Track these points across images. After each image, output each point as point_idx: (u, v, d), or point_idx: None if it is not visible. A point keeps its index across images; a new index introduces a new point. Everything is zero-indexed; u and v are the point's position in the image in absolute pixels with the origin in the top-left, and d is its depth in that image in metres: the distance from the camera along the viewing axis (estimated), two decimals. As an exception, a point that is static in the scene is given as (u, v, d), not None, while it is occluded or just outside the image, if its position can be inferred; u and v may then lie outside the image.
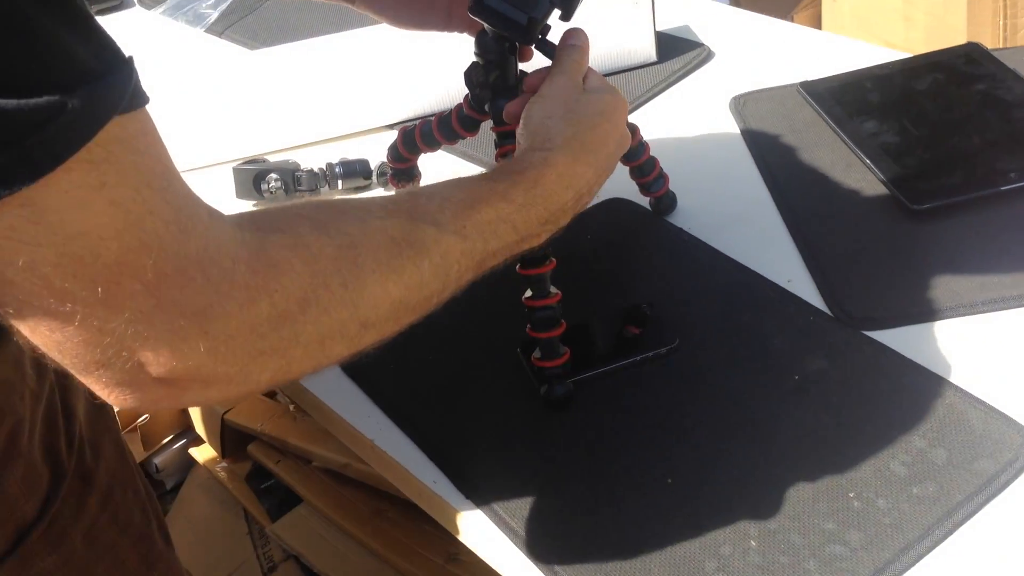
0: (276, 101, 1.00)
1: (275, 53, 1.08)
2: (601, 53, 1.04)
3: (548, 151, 0.62)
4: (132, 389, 0.44)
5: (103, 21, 1.30)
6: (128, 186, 0.41)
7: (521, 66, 0.71)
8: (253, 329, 0.46)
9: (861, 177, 0.87)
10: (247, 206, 0.95)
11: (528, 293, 0.70)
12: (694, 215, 0.86)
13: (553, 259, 0.70)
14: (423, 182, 0.87)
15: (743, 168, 0.91)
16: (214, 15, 1.28)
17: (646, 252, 0.84)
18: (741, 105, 0.98)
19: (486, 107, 0.72)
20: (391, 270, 0.52)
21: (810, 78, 0.98)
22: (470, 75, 0.71)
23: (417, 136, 0.79)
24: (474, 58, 0.70)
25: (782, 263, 0.80)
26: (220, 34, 1.26)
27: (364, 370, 0.76)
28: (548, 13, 0.67)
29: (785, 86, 0.99)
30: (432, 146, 0.80)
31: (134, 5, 1.36)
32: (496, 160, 0.75)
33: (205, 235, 0.44)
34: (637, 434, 0.69)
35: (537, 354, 0.71)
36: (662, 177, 0.84)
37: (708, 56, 1.07)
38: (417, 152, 0.81)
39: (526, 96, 0.67)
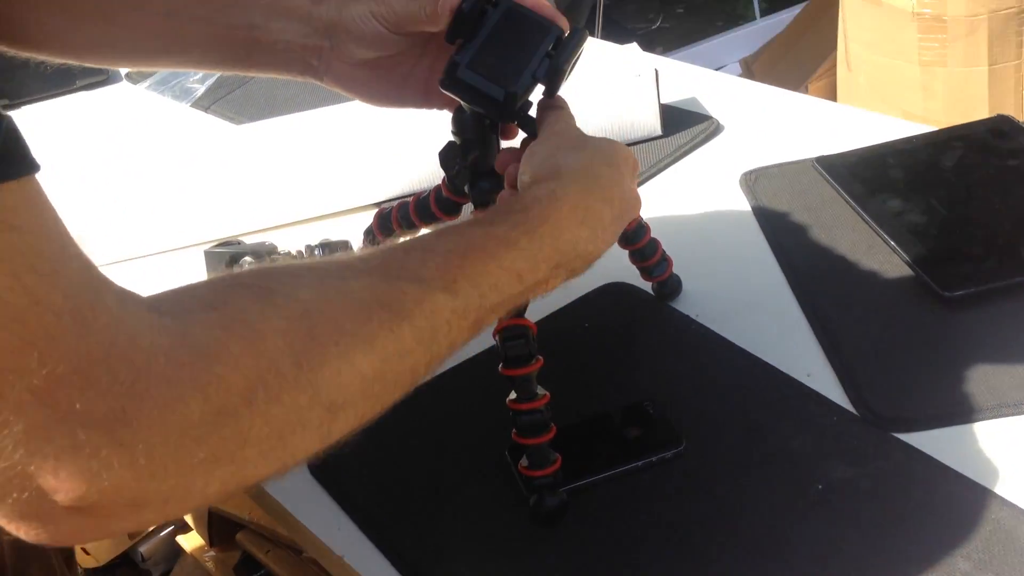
0: (254, 177, 0.94)
1: (257, 128, 1.02)
2: (601, 126, 0.98)
3: (556, 181, 0.55)
4: (40, 522, 0.37)
5: (90, 96, 1.26)
6: (5, 272, 0.34)
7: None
8: (184, 433, 0.38)
9: (885, 260, 0.79)
10: (220, 290, 0.88)
11: (512, 395, 0.62)
12: (701, 301, 0.79)
13: (540, 357, 0.62)
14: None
15: (755, 249, 0.84)
16: (200, 90, 1.23)
17: (648, 342, 0.76)
18: (752, 181, 0.92)
19: (466, 189, 0.66)
20: (359, 340, 0.44)
21: (826, 152, 0.92)
22: (446, 156, 0.65)
23: (394, 219, 0.72)
24: (451, 137, 0.64)
25: (800, 355, 0.72)
26: (206, 109, 1.21)
27: (333, 472, 0.68)
28: (530, 88, 0.60)
29: (799, 161, 0.93)
30: (410, 229, 0.73)
31: (121, 80, 1.32)
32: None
33: (112, 325, 0.37)
34: (638, 550, 0.61)
35: (524, 462, 0.63)
36: (665, 260, 0.77)
37: (717, 129, 1.01)
38: (394, 236, 0.74)
39: (515, 152, 0.61)
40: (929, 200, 0.84)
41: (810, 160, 0.92)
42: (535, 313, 0.76)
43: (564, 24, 0.63)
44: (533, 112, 0.63)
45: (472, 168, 0.64)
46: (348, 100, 1.01)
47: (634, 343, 0.77)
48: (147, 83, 1.26)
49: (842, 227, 0.84)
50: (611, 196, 0.58)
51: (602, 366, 0.74)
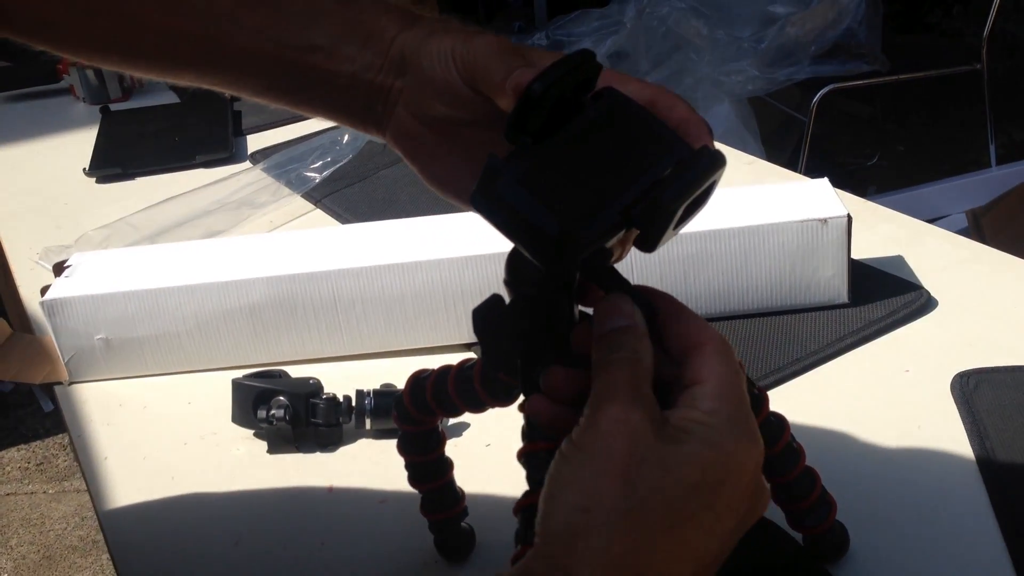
0: (318, 295, 0.76)
1: (344, 232, 0.84)
2: (766, 283, 0.74)
3: (569, 557, 0.33)
4: None
5: (211, 173, 1.14)
6: None
7: None
8: None
9: None
10: (243, 436, 0.70)
11: None
12: (877, 570, 0.53)
13: None
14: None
15: (964, 494, 0.57)
16: (317, 179, 1.08)
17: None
18: (970, 388, 0.65)
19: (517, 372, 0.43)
20: None
21: (1087, 361, 0.64)
22: (486, 317, 0.43)
23: (429, 393, 0.50)
24: (503, 289, 0.42)
25: None
26: (317, 202, 1.06)
27: None
28: (611, 232, 0.38)
29: (1045, 368, 0.65)
30: (451, 412, 0.51)
31: (245, 160, 1.20)
32: (514, 515, 0.44)
33: None
34: None
35: None
36: (826, 504, 0.52)
37: (927, 304, 0.74)
38: (432, 415, 0.52)
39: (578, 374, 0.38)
40: None
41: (1062, 370, 0.64)
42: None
43: (704, 139, 0.41)
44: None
45: (528, 339, 0.42)
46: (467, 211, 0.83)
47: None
48: (263, 164, 1.13)
49: (1107, 482, 0.56)
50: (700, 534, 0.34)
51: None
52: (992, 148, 2.56)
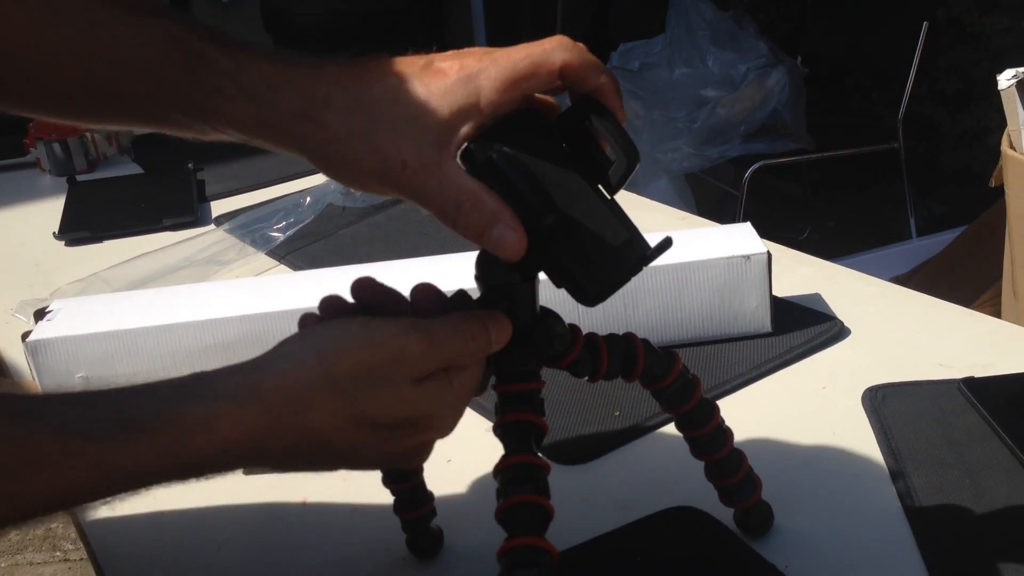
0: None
1: (319, 273, 0.91)
2: (698, 314, 0.82)
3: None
4: None
5: (177, 236, 1.19)
6: None
7: None
8: None
9: (1054, 523, 0.58)
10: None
11: None
12: (796, 545, 0.59)
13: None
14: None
15: (874, 488, 0.65)
16: (280, 238, 1.15)
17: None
18: (879, 400, 0.73)
19: None
20: None
21: (978, 374, 0.73)
22: (456, 308, 0.50)
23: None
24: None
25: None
26: (281, 258, 1.12)
27: None
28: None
29: (942, 381, 0.74)
30: None
31: (210, 223, 1.26)
32: (494, 431, 0.52)
33: None
34: None
35: None
36: (752, 482, 0.59)
37: (841, 333, 0.83)
38: None
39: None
40: (1119, 450, 0.63)
41: (956, 381, 0.72)
42: (568, 534, 0.59)
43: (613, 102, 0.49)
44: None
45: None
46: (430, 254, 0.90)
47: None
48: (228, 225, 1.19)
49: (995, 472, 0.64)
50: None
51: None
52: (912, 221, 2.72)
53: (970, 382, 0.72)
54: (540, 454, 0.51)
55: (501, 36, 3.23)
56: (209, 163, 1.46)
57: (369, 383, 0.46)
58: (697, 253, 0.82)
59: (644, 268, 0.48)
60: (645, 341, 0.55)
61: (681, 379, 0.56)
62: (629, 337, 0.55)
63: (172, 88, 0.49)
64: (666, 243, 0.47)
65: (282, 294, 0.85)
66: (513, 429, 0.51)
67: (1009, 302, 1.91)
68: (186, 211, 1.28)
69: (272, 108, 0.48)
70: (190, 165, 1.43)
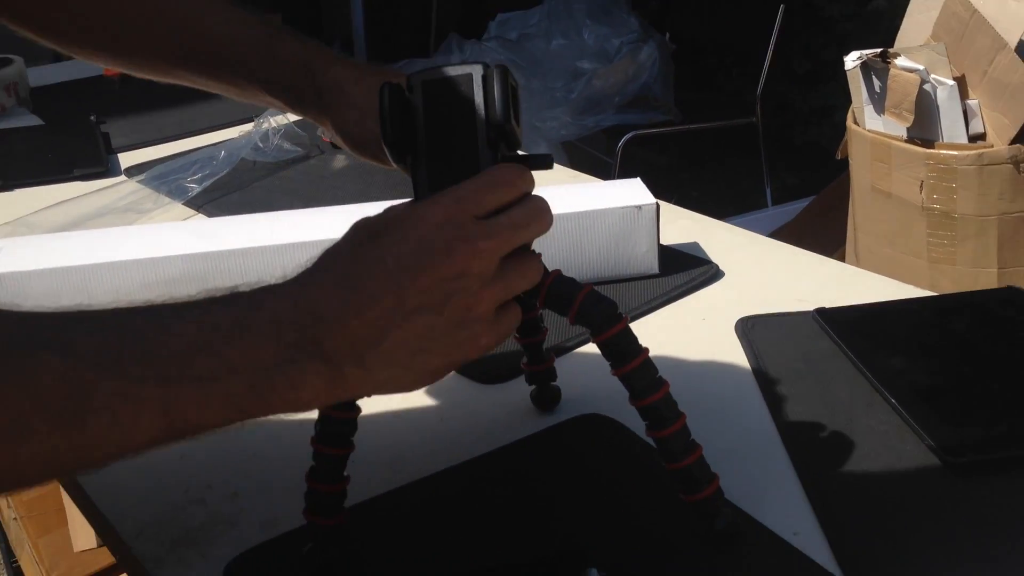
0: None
1: (250, 218, 0.98)
2: (596, 256, 0.93)
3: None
4: None
5: (89, 186, 1.23)
6: None
7: None
8: None
9: (886, 419, 0.73)
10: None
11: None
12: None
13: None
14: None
15: (747, 398, 0.78)
16: (196, 189, 1.21)
17: (615, 485, 0.69)
18: (749, 328, 0.86)
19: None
20: None
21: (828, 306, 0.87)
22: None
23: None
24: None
25: (788, 513, 0.65)
26: (199, 208, 1.18)
27: None
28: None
29: (800, 312, 0.88)
30: None
31: (119, 173, 1.30)
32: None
33: None
34: None
35: None
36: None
37: (716, 275, 0.97)
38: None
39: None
40: (934, 362, 0.78)
41: (811, 312, 0.87)
42: (489, 442, 0.69)
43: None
44: None
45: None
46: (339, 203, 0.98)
47: (599, 484, 0.69)
48: (142, 176, 1.24)
49: (841, 382, 0.78)
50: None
51: (549, 507, 0.67)
52: (768, 191, 2.94)
53: (822, 312, 0.86)
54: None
55: (377, 8, 3.27)
56: (110, 117, 1.49)
57: (392, 227, 0.52)
58: (595, 203, 0.93)
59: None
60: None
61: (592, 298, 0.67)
62: (556, 272, 0.66)
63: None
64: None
65: (219, 234, 0.92)
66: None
67: (851, 262, 2.13)
68: (96, 162, 1.31)
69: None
70: (93, 118, 1.45)
